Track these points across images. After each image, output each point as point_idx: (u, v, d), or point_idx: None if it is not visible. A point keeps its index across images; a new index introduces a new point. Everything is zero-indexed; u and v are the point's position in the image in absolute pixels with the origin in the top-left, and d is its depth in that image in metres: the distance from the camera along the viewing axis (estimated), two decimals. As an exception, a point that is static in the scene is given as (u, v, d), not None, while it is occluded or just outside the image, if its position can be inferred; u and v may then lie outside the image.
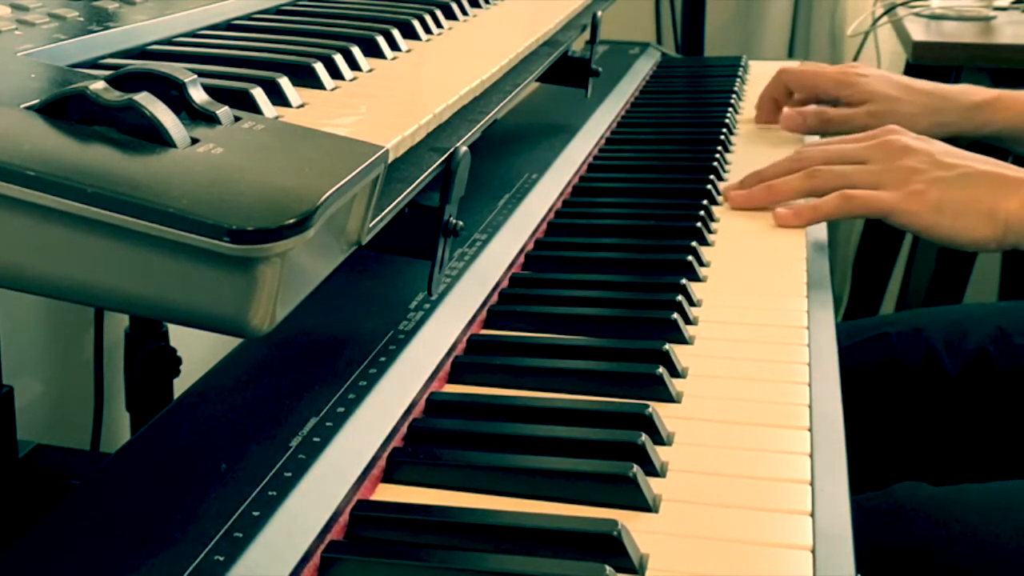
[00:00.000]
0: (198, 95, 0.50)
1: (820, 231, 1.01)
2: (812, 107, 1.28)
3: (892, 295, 2.14)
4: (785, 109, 1.30)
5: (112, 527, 0.51)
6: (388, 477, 0.60)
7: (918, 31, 1.80)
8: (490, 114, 0.73)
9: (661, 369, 0.69)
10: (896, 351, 1.11)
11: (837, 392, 0.72)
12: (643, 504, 0.57)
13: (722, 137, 1.21)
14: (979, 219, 0.93)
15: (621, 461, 0.59)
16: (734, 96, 1.40)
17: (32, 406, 1.08)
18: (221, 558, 0.48)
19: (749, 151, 1.23)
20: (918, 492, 0.89)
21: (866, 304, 2.11)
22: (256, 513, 0.51)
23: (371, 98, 0.66)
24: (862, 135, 1.04)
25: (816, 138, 1.27)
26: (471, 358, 0.72)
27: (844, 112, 1.25)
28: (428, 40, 0.83)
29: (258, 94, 0.56)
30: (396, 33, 0.78)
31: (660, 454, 0.62)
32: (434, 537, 0.55)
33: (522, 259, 0.88)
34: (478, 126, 0.70)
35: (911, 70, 1.85)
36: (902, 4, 1.97)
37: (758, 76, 1.54)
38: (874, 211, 0.95)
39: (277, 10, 0.85)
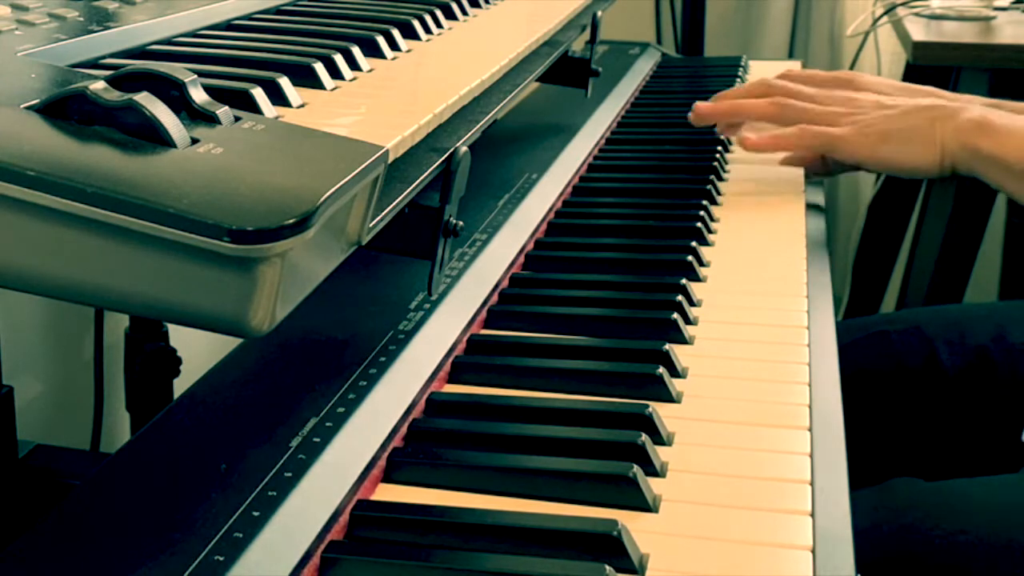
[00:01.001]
0: (198, 95, 0.50)
1: (820, 231, 1.01)
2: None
3: (892, 294, 2.14)
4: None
5: (112, 527, 0.51)
6: (388, 477, 0.60)
7: (918, 31, 1.80)
8: (490, 114, 0.73)
9: (661, 369, 0.69)
10: (896, 350, 1.11)
11: (837, 392, 0.72)
12: (643, 504, 0.57)
13: (722, 137, 1.21)
14: (919, 145, 1.02)
15: (621, 461, 0.59)
16: (734, 96, 1.40)
17: (32, 406, 1.08)
18: (221, 558, 0.48)
19: (749, 151, 1.23)
20: (913, 487, 0.89)
21: (866, 303, 2.11)
22: (256, 513, 0.51)
23: (371, 98, 0.66)
24: (824, 75, 1.17)
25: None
26: (471, 358, 0.72)
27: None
28: (428, 40, 0.83)
29: (258, 94, 0.56)
30: (396, 33, 0.78)
31: (660, 454, 0.62)
32: (434, 537, 0.55)
33: (522, 259, 0.88)
34: (478, 126, 0.70)
35: (911, 70, 1.85)
36: (902, 4, 1.97)
37: (758, 76, 1.53)
38: (825, 144, 1.06)
39: (277, 10, 0.85)
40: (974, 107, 1.04)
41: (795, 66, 1.38)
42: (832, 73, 1.28)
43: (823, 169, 1.24)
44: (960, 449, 1.08)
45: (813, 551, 0.54)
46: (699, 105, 1.15)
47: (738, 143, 1.10)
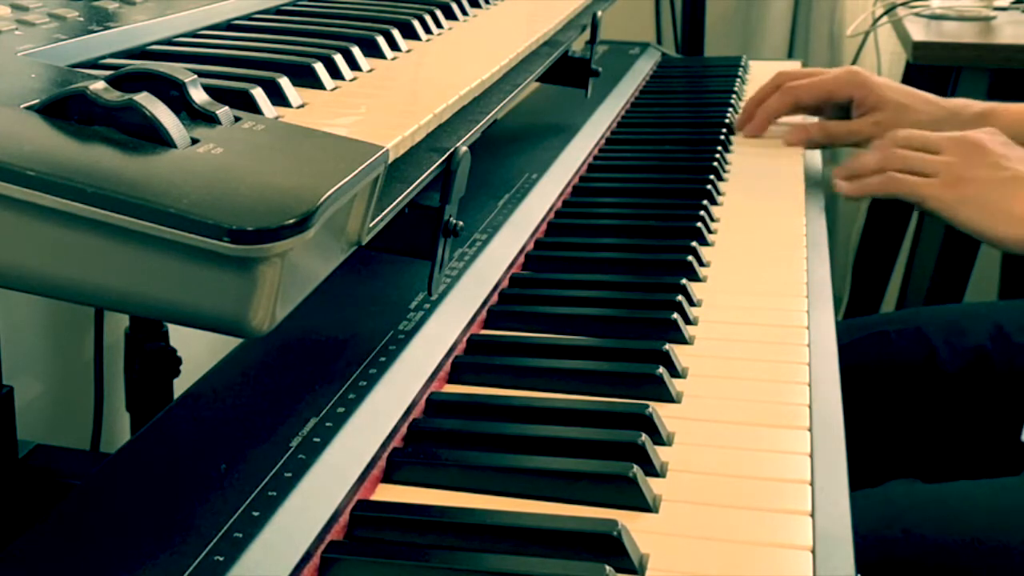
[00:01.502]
0: (198, 95, 0.50)
1: (820, 231, 1.01)
2: (815, 121, 1.27)
3: (892, 294, 2.14)
4: (788, 124, 1.28)
5: (112, 527, 0.51)
6: (388, 477, 0.60)
7: (918, 31, 1.80)
8: (490, 114, 0.73)
9: (661, 369, 0.69)
10: (895, 349, 1.11)
11: (837, 392, 0.72)
12: (643, 504, 0.57)
13: (722, 137, 1.21)
14: (1008, 218, 0.96)
15: (621, 461, 0.59)
16: (734, 96, 1.40)
17: (32, 406, 1.08)
18: (221, 558, 0.48)
19: (749, 151, 1.23)
20: (913, 489, 0.89)
21: (866, 303, 2.11)
22: (256, 513, 0.51)
23: (371, 98, 0.66)
24: (953, 133, 1.07)
25: (818, 152, 1.26)
26: (471, 358, 0.72)
27: (848, 125, 1.24)
28: (428, 40, 0.83)
29: (258, 94, 0.56)
30: (396, 33, 0.78)
31: (660, 454, 0.62)
32: (434, 537, 0.55)
33: (522, 259, 0.88)
34: (478, 126, 0.70)
35: (911, 70, 1.85)
36: (902, 4, 1.97)
37: (758, 76, 1.54)
38: (908, 195, 1.03)
39: (277, 10, 0.85)
40: None
41: (795, 66, 1.38)
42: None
43: (827, 141, 1.25)
44: (960, 449, 1.08)
45: (813, 551, 0.54)
46: (838, 183, 1.11)
47: (834, 188, 1.09)
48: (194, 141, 0.46)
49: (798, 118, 1.30)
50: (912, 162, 1.05)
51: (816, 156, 1.25)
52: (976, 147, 1.03)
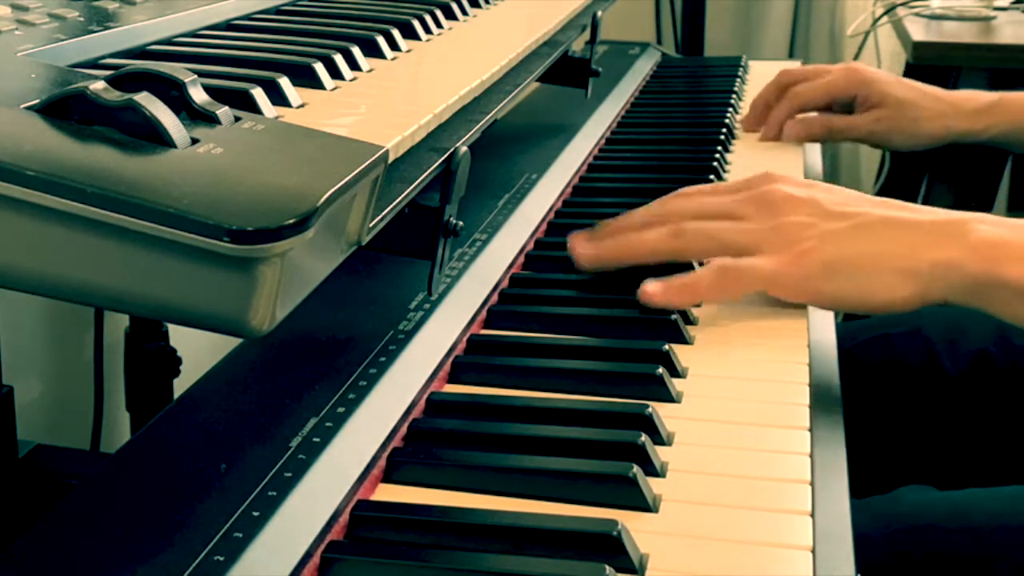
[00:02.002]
0: (198, 95, 0.50)
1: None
2: (816, 115, 1.27)
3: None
4: (788, 123, 1.28)
5: (112, 527, 0.51)
6: (388, 477, 0.60)
7: (918, 31, 1.80)
8: (490, 114, 0.73)
9: (661, 369, 0.69)
10: (897, 351, 1.11)
11: (837, 392, 0.72)
12: (643, 504, 0.57)
13: (722, 137, 1.21)
14: (893, 276, 0.75)
15: (621, 461, 0.59)
16: (734, 96, 1.40)
17: (32, 406, 1.08)
18: (221, 558, 0.48)
19: (749, 151, 1.23)
20: (924, 497, 0.88)
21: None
22: (256, 513, 0.51)
23: (371, 98, 0.66)
24: (734, 183, 0.85)
25: (817, 146, 1.26)
26: (471, 358, 0.72)
27: (850, 120, 1.24)
28: (428, 40, 0.83)
29: (258, 94, 0.56)
30: (396, 33, 0.78)
31: (660, 454, 0.62)
32: (434, 537, 0.55)
33: (522, 259, 0.88)
34: (478, 126, 0.70)
35: (911, 70, 1.85)
36: (902, 4, 1.97)
37: (758, 76, 1.54)
38: (754, 284, 0.79)
39: (277, 10, 0.85)
40: (975, 224, 0.75)
41: (795, 66, 1.37)
42: (843, 66, 1.27)
43: (827, 136, 1.24)
44: (965, 452, 1.07)
45: (813, 551, 0.54)
46: (578, 247, 0.84)
47: (643, 302, 0.79)
48: (194, 141, 0.46)
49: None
50: (724, 237, 0.79)
51: (816, 156, 1.24)
52: (785, 200, 0.80)
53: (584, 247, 0.84)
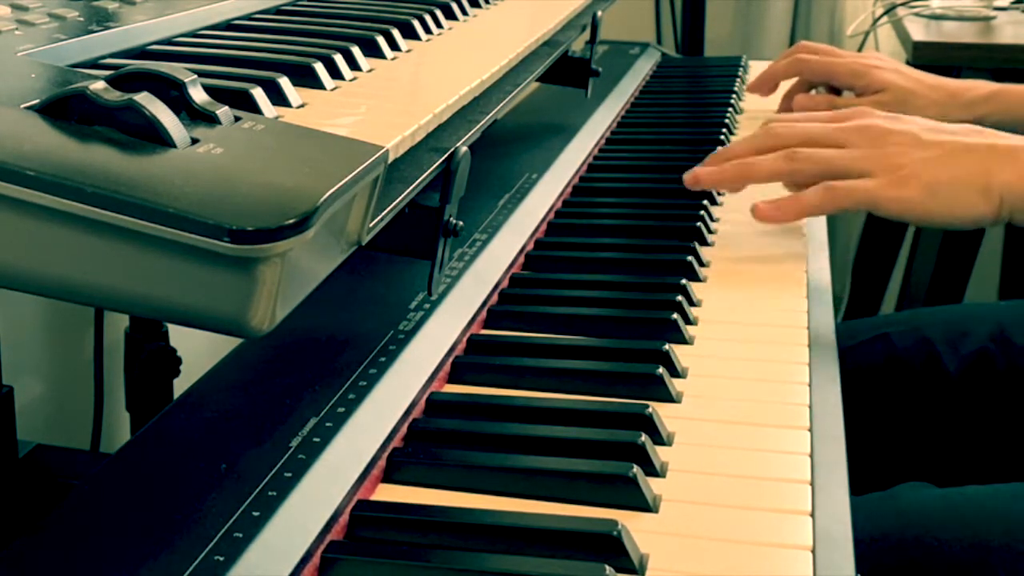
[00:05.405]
0: (198, 95, 0.50)
1: (820, 230, 1.01)
2: (823, 95, 1.28)
3: (892, 295, 2.14)
4: (798, 96, 1.30)
5: (112, 527, 0.51)
6: (388, 477, 0.60)
7: (918, 31, 1.80)
8: (490, 114, 0.73)
9: (661, 369, 0.69)
10: (896, 351, 1.11)
11: (837, 392, 0.72)
12: (643, 504, 0.57)
13: (722, 137, 1.21)
14: (974, 195, 0.88)
15: (621, 461, 0.59)
16: (734, 96, 1.40)
17: (32, 406, 1.08)
18: (221, 558, 0.48)
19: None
20: (923, 494, 0.88)
21: (866, 304, 2.11)
22: (256, 513, 0.51)
23: (371, 98, 0.66)
24: (832, 113, 0.98)
25: None
26: (471, 358, 0.72)
27: (853, 102, 1.25)
28: (428, 40, 0.83)
29: (258, 94, 0.56)
30: (396, 33, 0.78)
31: (660, 454, 0.62)
32: (434, 537, 0.55)
33: (522, 259, 0.88)
34: (478, 126, 0.70)
35: (911, 70, 1.85)
36: (902, 4, 1.97)
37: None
38: (861, 202, 0.89)
39: (277, 10, 0.85)
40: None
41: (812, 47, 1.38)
42: (855, 56, 1.29)
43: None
44: (965, 451, 1.07)
45: (813, 551, 0.54)
46: (698, 172, 0.97)
47: (759, 220, 0.93)
48: (194, 141, 0.46)
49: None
50: (834, 162, 0.91)
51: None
52: (884, 132, 0.92)
53: (706, 171, 0.96)
